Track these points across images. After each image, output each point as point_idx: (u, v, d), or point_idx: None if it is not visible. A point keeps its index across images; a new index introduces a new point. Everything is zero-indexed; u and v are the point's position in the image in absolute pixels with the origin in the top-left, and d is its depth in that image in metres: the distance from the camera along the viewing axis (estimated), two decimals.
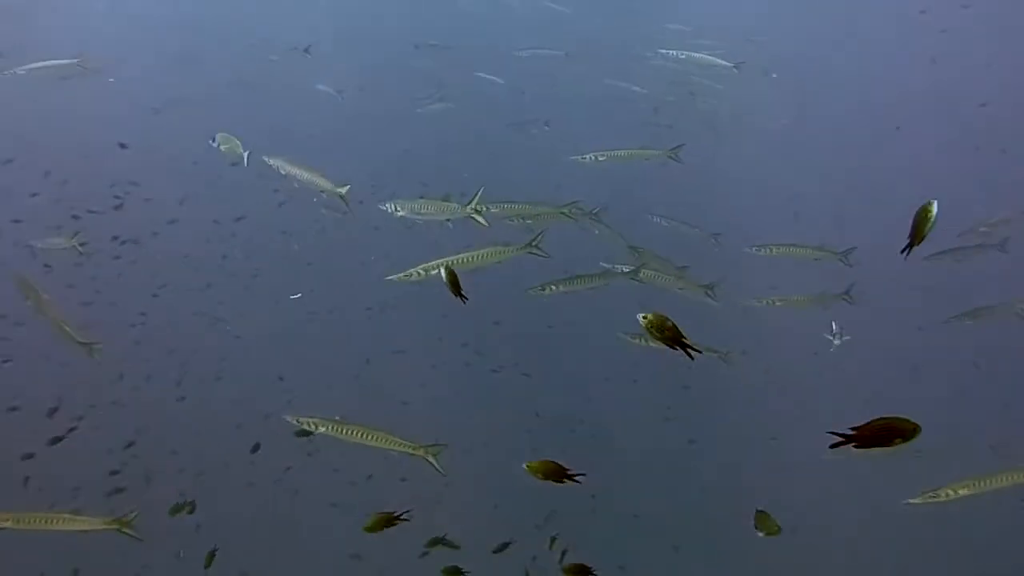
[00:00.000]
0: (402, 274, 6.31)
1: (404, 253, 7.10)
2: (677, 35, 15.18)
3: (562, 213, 7.95)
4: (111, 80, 12.43)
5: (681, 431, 13.38)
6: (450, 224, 8.02)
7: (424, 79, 16.95)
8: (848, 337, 8.61)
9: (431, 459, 6.17)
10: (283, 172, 7.46)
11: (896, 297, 13.69)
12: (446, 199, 7.26)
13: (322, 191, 7.49)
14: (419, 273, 6.27)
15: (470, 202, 6.98)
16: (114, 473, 10.31)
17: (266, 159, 7.52)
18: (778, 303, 9.40)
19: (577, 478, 5.43)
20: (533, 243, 6.79)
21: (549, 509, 11.05)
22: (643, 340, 8.09)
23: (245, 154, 8.60)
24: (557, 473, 5.39)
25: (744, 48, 14.79)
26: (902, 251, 4.67)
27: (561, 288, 8.03)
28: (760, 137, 17.00)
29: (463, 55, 16.75)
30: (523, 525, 10.74)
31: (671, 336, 4.47)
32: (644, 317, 4.48)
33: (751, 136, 16.75)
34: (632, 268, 8.58)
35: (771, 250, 8.93)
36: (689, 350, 4.50)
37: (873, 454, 3.88)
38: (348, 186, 7.45)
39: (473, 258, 6.45)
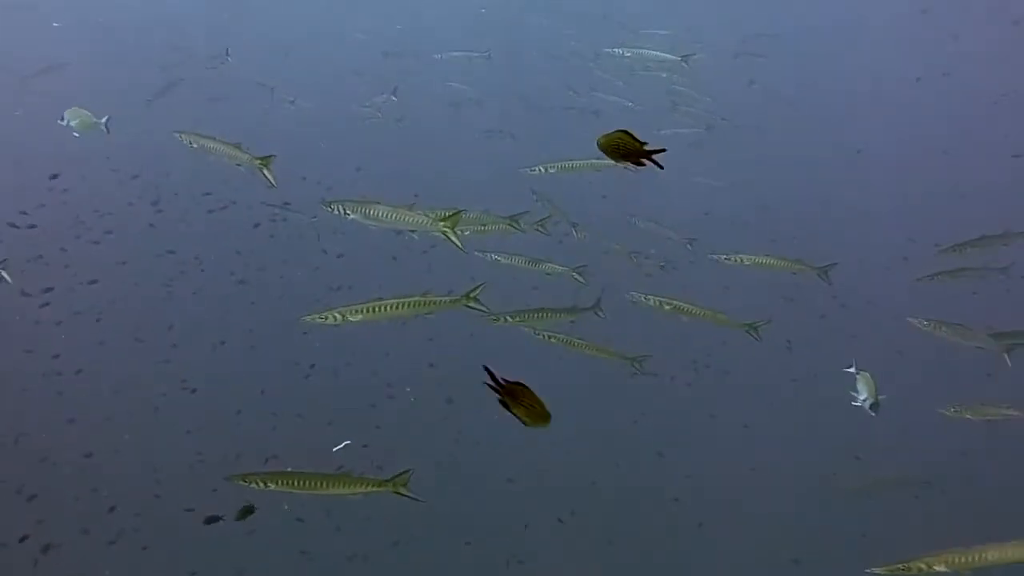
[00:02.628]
0: (318, 316, 5.68)
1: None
2: (655, 39, 14.90)
3: (510, 224, 7.33)
4: (17, 113, 11.54)
5: None
6: (415, 236, 7.32)
7: (387, 87, 16.34)
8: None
9: (402, 490, 5.49)
10: (195, 146, 6.77)
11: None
12: (411, 207, 6.43)
13: (239, 164, 6.82)
14: (336, 317, 5.67)
15: (445, 217, 6.12)
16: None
17: (176, 134, 6.80)
18: (667, 308, 7.66)
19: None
20: (472, 295, 5.99)
21: None
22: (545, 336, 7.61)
23: (103, 120, 8.00)
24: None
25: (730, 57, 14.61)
26: None
27: (516, 320, 7.38)
28: (739, 144, 16.65)
29: (436, 64, 16.29)
30: None
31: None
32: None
33: (731, 143, 16.39)
34: (595, 304, 8.02)
35: (742, 260, 7.89)
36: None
37: None
38: (272, 155, 6.75)
39: (401, 306, 5.81)
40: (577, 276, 8.28)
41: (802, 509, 12.09)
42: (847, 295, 13.45)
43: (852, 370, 6.84)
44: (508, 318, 7.35)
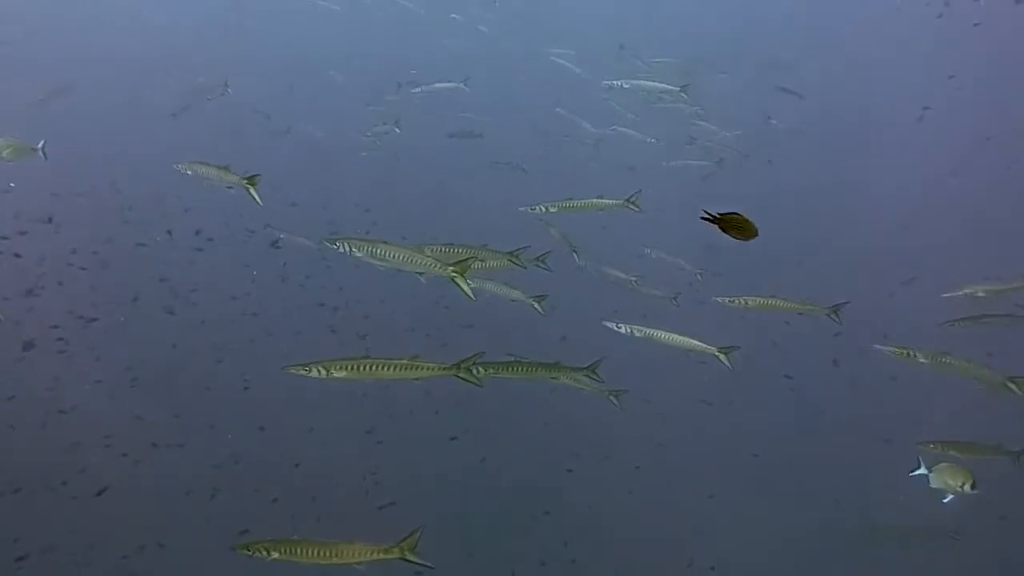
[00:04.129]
0: (302, 368, 5.46)
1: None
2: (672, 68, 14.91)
3: (510, 260, 7.07)
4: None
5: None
6: (423, 280, 7.17)
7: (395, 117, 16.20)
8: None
9: (410, 556, 5.36)
10: (190, 173, 7.45)
11: None
12: (418, 249, 6.15)
13: (229, 186, 7.35)
14: (320, 371, 5.45)
15: (458, 263, 5.91)
16: None
17: (176, 166, 7.49)
18: (638, 335, 7.71)
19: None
20: (463, 365, 5.71)
21: None
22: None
23: (39, 145, 7.92)
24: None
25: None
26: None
27: (494, 373, 6.75)
28: (748, 176, 16.57)
29: (446, 95, 16.23)
30: None
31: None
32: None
33: (741, 175, 16.31)
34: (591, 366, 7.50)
35: (745, 302, 7.69)
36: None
37: None
38: (258, 175, 7.17)
39: (388, 368, 5.52)
40: (536, 306, 8.04)
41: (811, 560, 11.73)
42: (851, 327, 13.22)
43: (923, 471, 5.99)
44: (481, 369, 6.86)
